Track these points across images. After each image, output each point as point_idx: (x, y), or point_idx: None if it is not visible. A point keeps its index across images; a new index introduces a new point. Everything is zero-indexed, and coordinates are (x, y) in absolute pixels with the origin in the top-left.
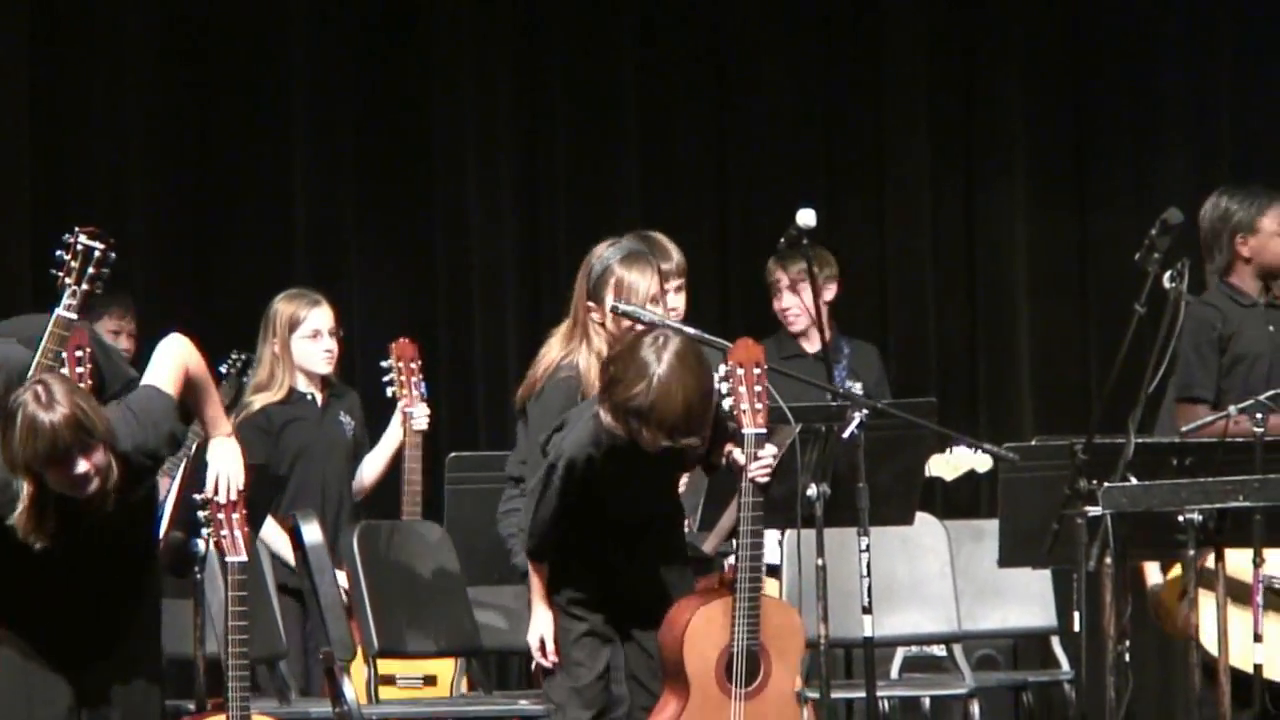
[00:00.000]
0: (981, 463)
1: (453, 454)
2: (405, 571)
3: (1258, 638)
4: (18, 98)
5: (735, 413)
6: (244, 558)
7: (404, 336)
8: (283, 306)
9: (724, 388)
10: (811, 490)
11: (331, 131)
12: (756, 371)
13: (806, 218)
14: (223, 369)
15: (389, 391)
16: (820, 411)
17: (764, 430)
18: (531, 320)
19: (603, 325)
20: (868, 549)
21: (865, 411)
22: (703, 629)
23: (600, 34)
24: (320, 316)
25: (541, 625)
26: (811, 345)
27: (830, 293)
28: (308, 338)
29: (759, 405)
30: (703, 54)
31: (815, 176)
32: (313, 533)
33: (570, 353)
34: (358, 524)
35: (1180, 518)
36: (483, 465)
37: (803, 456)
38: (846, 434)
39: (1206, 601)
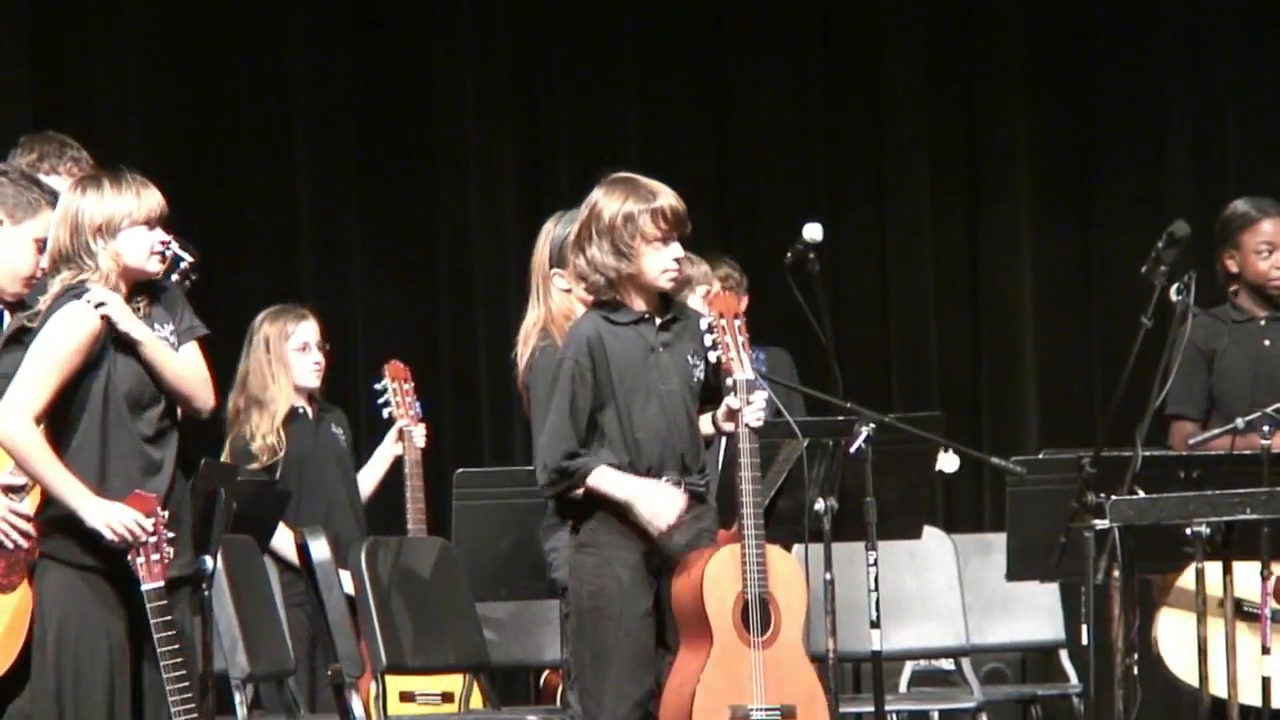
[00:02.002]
0: (949, 463)
1: (460, 470)
2: (413, 587)
3: (1265, 650)
4: (20, 108)
5: (724, 360)
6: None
7: (400, 353)
8: (270, 322)
9: (709, 339)
10: (819, 504)
11: (333, 145)
12: (738, 322)
13: (813, 232)
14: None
15: (385, 413)
16: (827, 426)
17: (754, 376)
18: None
19: (568, 292)
20: (875, 563)
21: (872, 425)
22: (718, 576)
23: (600, 51)
24: (308, 330)
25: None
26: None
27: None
28: (297, 350)
29: (745, 353)
30: (703, 71)
31: (817, 191)
32: (320, 549)
33: (539, 321)
34: (365, 540)
35: (1188, 530)
36: (490, 481)
37: (810, 471)
38: (853, 448)
39: (1169, 619)
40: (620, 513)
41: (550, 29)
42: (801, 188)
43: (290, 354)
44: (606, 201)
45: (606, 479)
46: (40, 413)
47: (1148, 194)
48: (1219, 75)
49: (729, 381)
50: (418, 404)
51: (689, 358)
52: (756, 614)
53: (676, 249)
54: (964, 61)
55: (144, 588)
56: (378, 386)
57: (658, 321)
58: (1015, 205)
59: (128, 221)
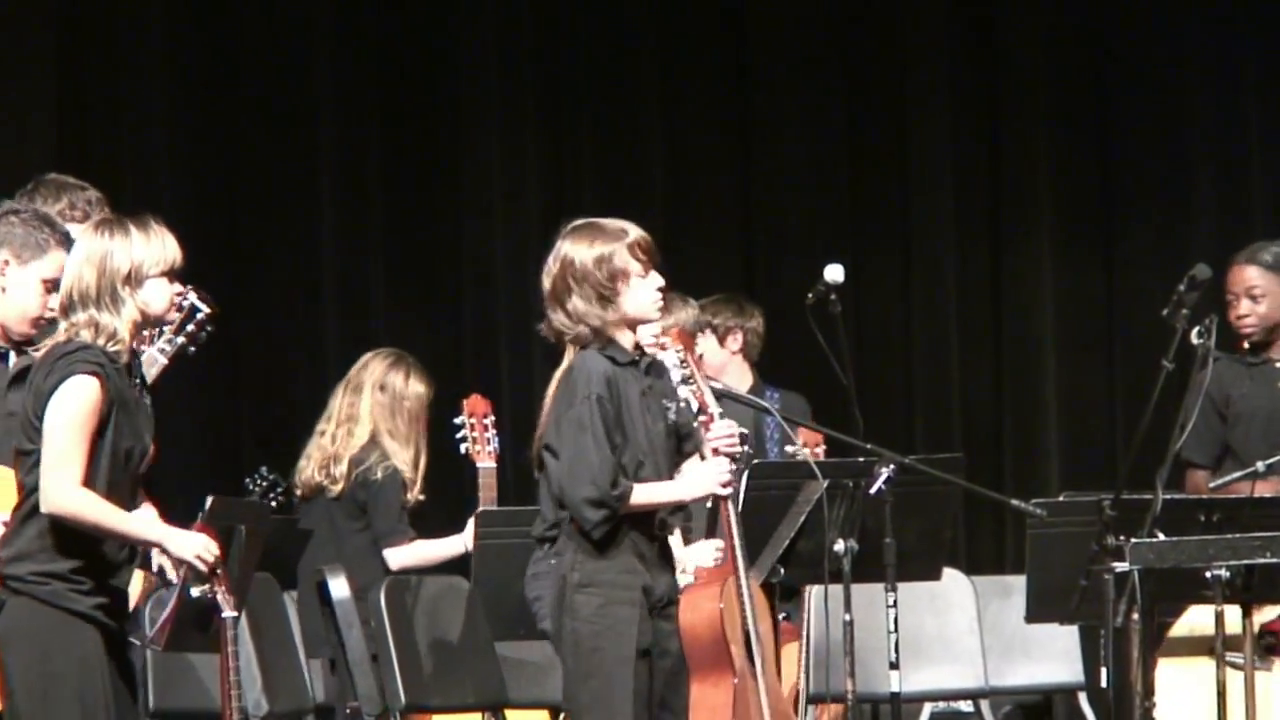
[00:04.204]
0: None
1: (480, 508)
2: (432, 626)
3: None
4: (46, 145)
5: (698, 396)
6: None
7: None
8: (405, 376)
9: (680, 375)
10: (839, 545)
11: (358, 189)
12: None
13: (835, 274)
14: (248, 483)
15: (463, 448)
16: (848, 467)
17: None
18: None
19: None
20: (895, 604)
21: (893, 467)
22: (730, 608)
23: (625, 91)
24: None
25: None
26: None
27: (736, 342)
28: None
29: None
30: (727, 111)
31: (841, 233)
32: (340, 587)
33: None
34: (386, 579)
35: (1208, 574)
36: (509, 520)
37: (830, 512)
38: (874, 489)
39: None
40: (629, 549)
41: (575, 71)
42: (824, 229)
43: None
44: (576, 249)
45: (650, 490)
46: (82, 478)
47: (1171, 236)
48: (1246, 117)
49: (702, 418)
50: (496, 440)
51: (663, 400)
52: (757, 648)
53: (658, 279)
54: (988, 103)
55: (225, 615)
56: (456, 421)
57: (641, 364)
58: (1038, 247)
59: (155, 270)
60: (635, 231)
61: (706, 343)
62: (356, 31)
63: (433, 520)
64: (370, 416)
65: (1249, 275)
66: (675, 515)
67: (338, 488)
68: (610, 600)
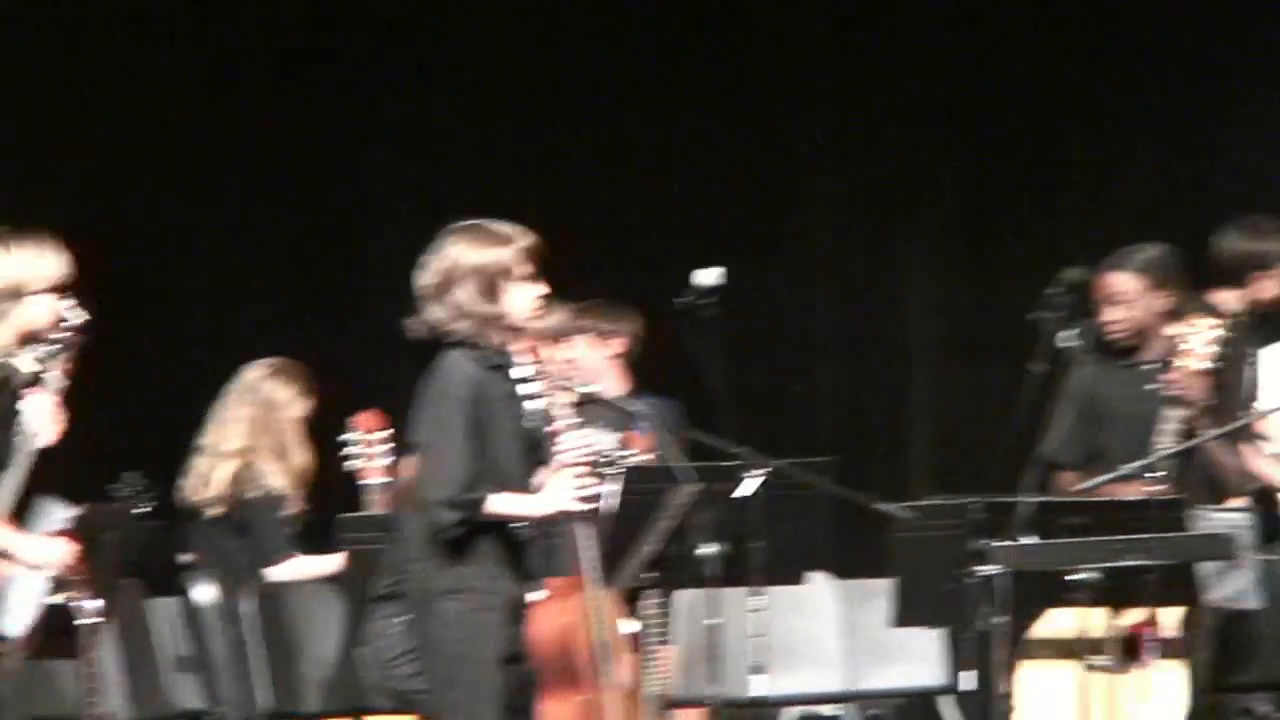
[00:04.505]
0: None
1: (341, 514)
2: (300, 633)
3: (1150, 692)
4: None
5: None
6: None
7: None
8: (281, 385)
9: (535, 386)
10: (707, 549)
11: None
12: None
13: (707, 278)
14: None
15: (350, 465)
16: (718, 471)
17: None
18: None
19: None
20: (761, 608)
21: (761, 471)
22: (580, 623)
23: (501, 95)
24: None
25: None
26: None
27: (615, 347)
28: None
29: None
30: (602, 114)
31: (712, 237)
32: (204, 593)
33: None
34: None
35: (1073, 576)
36: (374, 525)
37: (699, 515)
38: (742, 493)
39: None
40: (490, 555)
41: (456, 76)
42: (696, 233)
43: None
44: (466, 248)
45: (507, 502)
46: None
47: (1042, 240)
48: (1120, 120)
49: (549, 429)
50: (391, 457)
51: (523, 411)
52: (608, 659)
53: (540, 287)
54: (864, 107)
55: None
56: (342, 439)
57: (508, 369)
58: (909, 250)
59: (38, 287)
60: (523, 238)
61: (585, 347)
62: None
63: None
64: (245, 431)
65: (1117, 281)
66: None
67: (215, 509)
68: (476, 606)
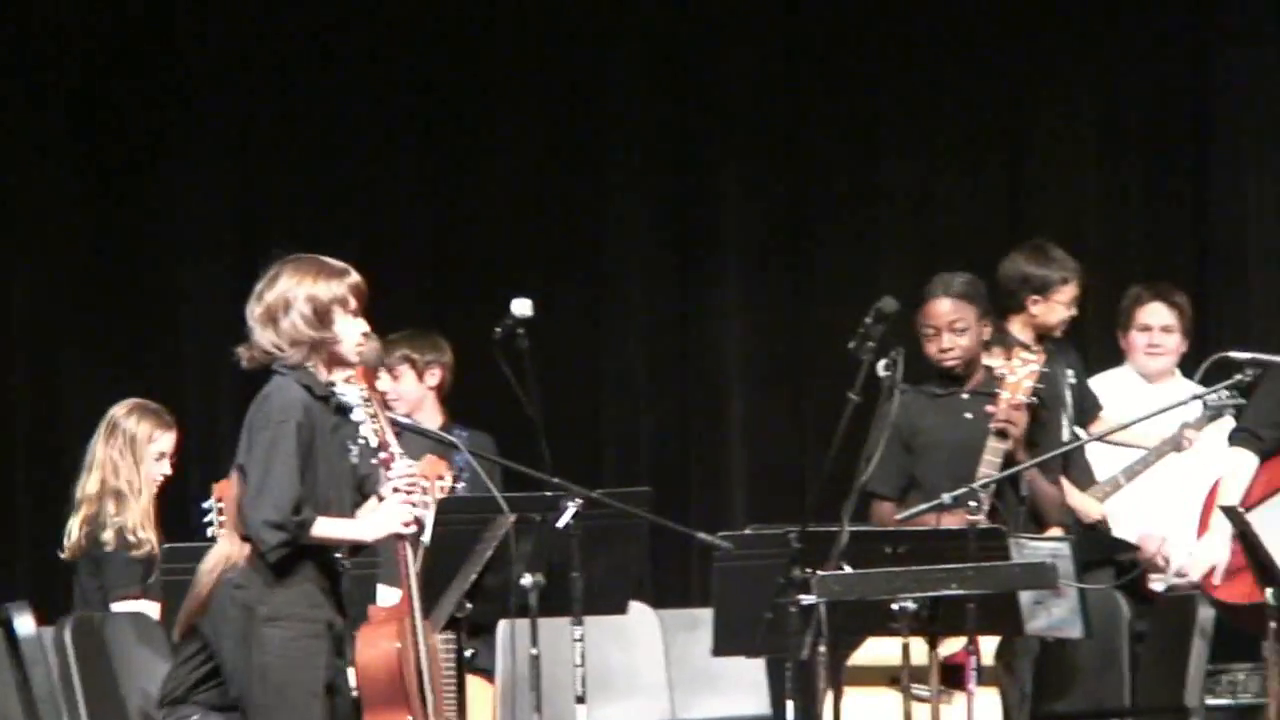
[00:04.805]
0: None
1: (166, 545)
2: (118, 660)
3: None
4: None
5: (379, 434)
6: None
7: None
8: (138, 421)
9: (365, 413)
10: (525, 579)
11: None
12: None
13: (522, 308)
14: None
15: (209, 531)
16: (534, 501)
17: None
18: None
19: None
20: (582, 638)
21: (579, 501)
22: (405, 649)
23: (319, 123)
24: (170, 440)
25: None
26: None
27: (434, 378)
28: (154, 458)
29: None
30: (419, 145)
31: (532, 266)
32: (25, 624)
33: None
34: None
35: (894, 606)
36: (194, 556)
37: (517, 546)
38: (561, 523)
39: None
40: (312, 583)
41: (270, 103)
42: (512, 262)
43: (149, 459)
44: (299, 279)
45: (334, 526)
46: None
47: (858, 269)
48: (935, 149)
49: (383, 455)
50: None
51: (347, 442)
52: (430, 688)
53: (364, 324)
54: (679, 134)
55: None
56: (204, 505)
57: (331, 402)
58: (726, 279)
59: None
60: (355, 276)
61: (405, 378)
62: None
63: None
64: (104, 473)
65: (950, 309)
66: None
67: (71, 550)
68: (299, 634)
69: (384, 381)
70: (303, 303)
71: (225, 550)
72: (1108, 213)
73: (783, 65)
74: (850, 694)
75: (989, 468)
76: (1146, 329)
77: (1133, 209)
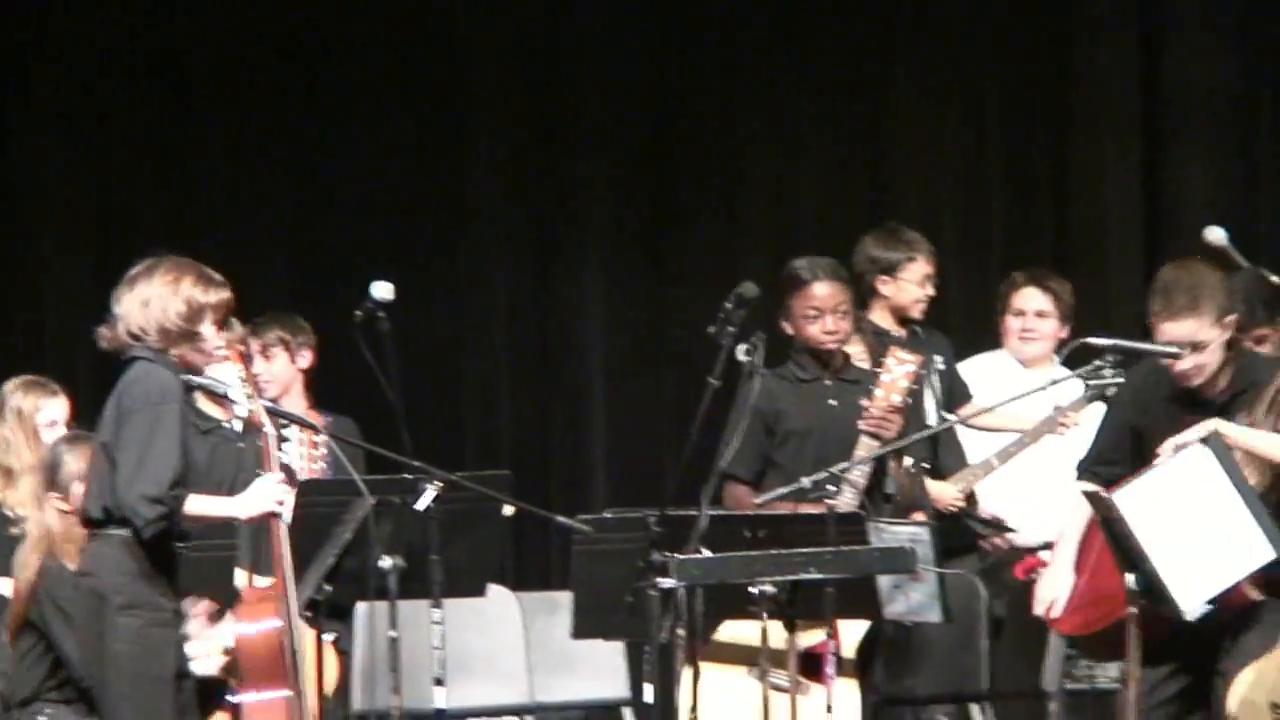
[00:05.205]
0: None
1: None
2: None
3: (829, 709)
4: None
5: (253, 415)
6: None
7: None
8: (22, 394)
9: (242, 393)
10: (385, 562)
11: None
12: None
13: (382, 291)
14: None
15: None
16: (394, 484)
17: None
18: None
19: None
20: (441, 621)
21: (439, 484)
22: (284, 624)
23: (180, 107)
24: (58, 406)
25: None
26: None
27: (305, 360)
28: (46, 426)
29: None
30: (281, 125)
31: (393, 250)
32: None
33: None
34: None
35: (753, 590)
36: None
37: (376, 529)
38: (420, 506)
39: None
40: (161, 570)
41: (131, 87)
42: (374, 246)
43: (41, 429)
44: (179, 276)
45: (206, 502)
46: None
47: (719, 254)
48: (796, 136)
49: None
50: None
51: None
52: (300, 661)
53: (220, 340)
54: (540, 119)
55: None
56: None
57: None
58: (587, 263)
59: None
60: (227, 293)
61: (278, 359)
62: None
63: None
64: None
65: (834, 291)
66: None
67: None
68: (150, 622)
69: (256, 364)
70: (179, 300)
71: (39, 534)
72: (967, 200)
73: (643, 53)
74: (709, 678)
75: (862, 464)
76: (1021, 314)
77: (993, 195)
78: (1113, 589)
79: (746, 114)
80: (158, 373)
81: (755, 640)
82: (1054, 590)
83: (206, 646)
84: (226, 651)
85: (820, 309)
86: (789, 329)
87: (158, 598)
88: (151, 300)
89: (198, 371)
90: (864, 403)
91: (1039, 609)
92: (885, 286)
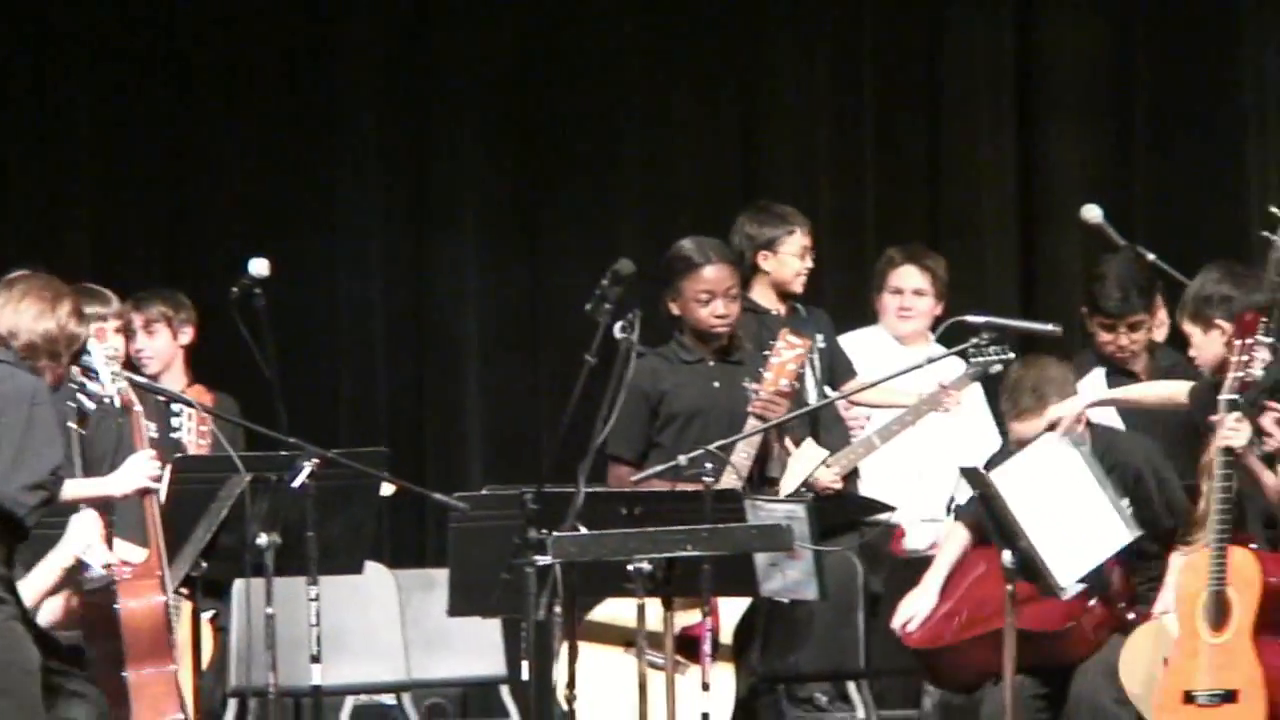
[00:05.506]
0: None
1: None
2: None
3: (705, 686)
4: None
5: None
6: None
7: None
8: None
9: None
10: (261, 539)
11: None
12: None
13: (259, 267)
14: None
15: None
16: (270, 460)
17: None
18: None
19: None
20: (317, 598)
21: (315, 460)
22: (163, 600)
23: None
24: None
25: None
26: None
27: (187, 336)
28: None
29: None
30: (151, 99)
31: (267, 224)
32: None
33: None
34: None
35: (630, 567)
36: None
37: (252, 506)
38: (296, 483)
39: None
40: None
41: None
42: (251, 221)
43: None
44: (52, 304)
45: (81, 484)
46: None
47: (596, 230)
48: (673, 112)
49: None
50: None
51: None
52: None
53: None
54: (416, 95)
55: None
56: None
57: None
58: (463, 240)
59: None
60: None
61: (160, 335)
62: None
63: None
64: None
65: (727, 274)
66: None
67: None
68: (10, 616)
69: (139, 339)
70: (39, 333)
71: None
72: (842, 177)
73: (520, 29)
74: (586, 656)
75: (748, 447)
76: (898, 292)
77: (867, 171)
78: (973, 609)
79: (620, 87)
80: (22, 376)
81: (628, 620)
82: (914, 608)
83: (101, 553)
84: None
85: (712, 292)
86: (676, 310)
87: (10, 594)
88: (22, 309)
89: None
90: (752, 386)
91: (896, 623)
92: (766, 262)
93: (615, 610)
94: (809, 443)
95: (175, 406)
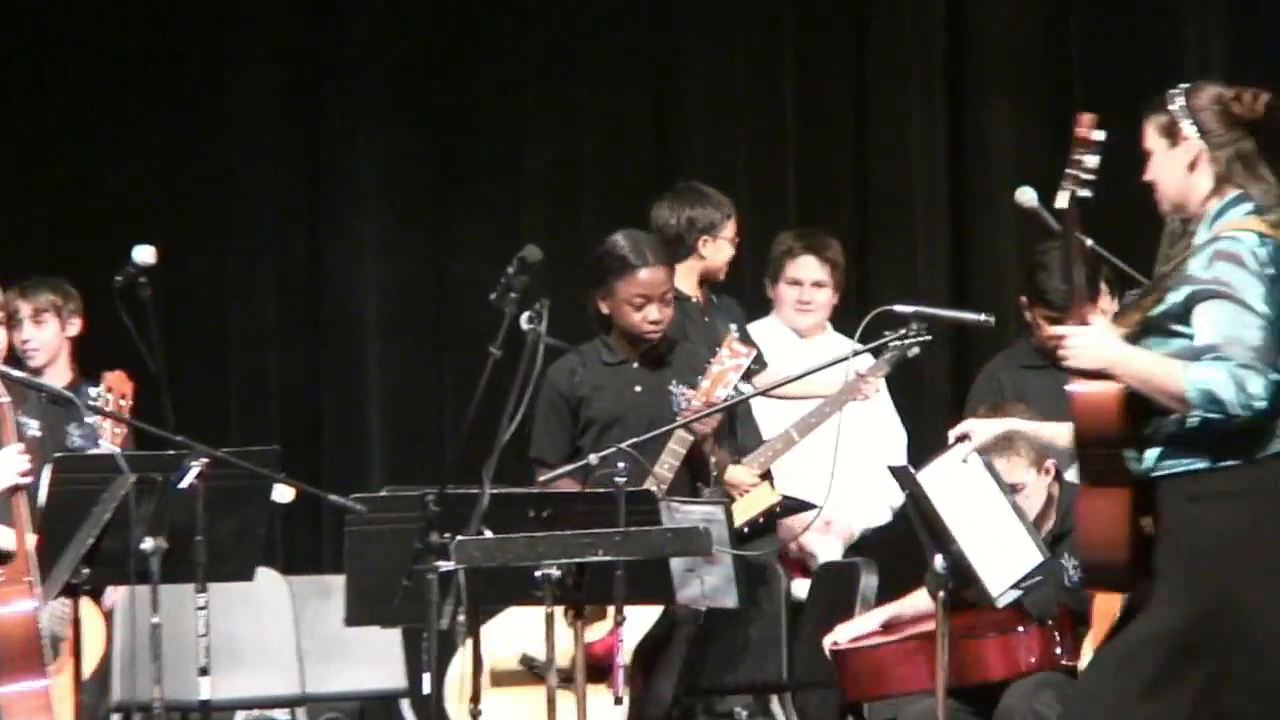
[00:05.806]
0: (283, 493)
1: None
2: None
3: (618, 701)
4: None
5: None
6: None
7: None
8: None
9: None
10: (146, 544)
11: None
12: None
13: (144, 255)
14: None
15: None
16: (156, 460)
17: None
18: None
19: None
20: (206, 606)
21: (204, 460)
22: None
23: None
24: None
25: None
26: (59, 380)
27: (74, 327)
28: None
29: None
30: (40, 80)
31: (153, 213)
32: None
33: None
34: None
35: (537, 573)
36: None
37: (138, 508)
38: (184, 484)
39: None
40: None
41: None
42: (135, 208)
43: None
44: None
45: None
46: None
47: (501, 219)
48: (578, 102)
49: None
50: None
51: None
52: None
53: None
54: (314, 81)
55: None
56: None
57: None
58: (362, 229)
59: None
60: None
61: (48, 326)
62: None
63: None
64: None
65: (664, 278)
66: None
67: None
68: None
69: (26, 328)
70: None
71: None
72: (762, 159)
73: (425, 12)
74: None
75: (673, 458)
76: (797, 283)
77: (789, 154)
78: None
79: (527, 71)
80: None
81: (539, 628)
82: (853, 631)
83: None
84: None
85: (647, 296)
86: (605, 309)
87: None
88: None
89: None
90: (684, 392)
91: (827, 641)
92: (706, 247)
93: (522, 617)
94: (765, 486)
95: (93, 399)
